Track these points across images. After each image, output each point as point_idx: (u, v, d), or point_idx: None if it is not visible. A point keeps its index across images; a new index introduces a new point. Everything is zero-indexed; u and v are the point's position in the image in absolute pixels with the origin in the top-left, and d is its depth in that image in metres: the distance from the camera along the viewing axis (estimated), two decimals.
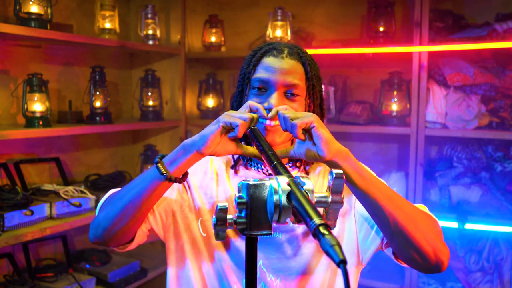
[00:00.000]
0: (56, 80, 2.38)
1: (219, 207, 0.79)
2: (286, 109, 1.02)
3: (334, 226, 0.83)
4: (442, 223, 2.20)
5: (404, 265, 1.07)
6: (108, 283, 2.29)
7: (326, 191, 0.82)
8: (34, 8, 1.97)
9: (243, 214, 0.79)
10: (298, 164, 1.19)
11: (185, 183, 1.16)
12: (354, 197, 1.12)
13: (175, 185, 1.15)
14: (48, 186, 2.16)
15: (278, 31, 2.55)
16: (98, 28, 2.50)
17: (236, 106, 1.17)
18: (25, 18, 1.98)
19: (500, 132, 2.22)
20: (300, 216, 0.70)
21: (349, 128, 2.46)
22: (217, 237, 0.81)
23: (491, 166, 2.33)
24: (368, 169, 1.09)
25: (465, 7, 2.49)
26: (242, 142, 1.02)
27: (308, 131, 0.94)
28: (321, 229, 0.64)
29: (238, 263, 1.11)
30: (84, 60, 2.53)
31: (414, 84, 2.28)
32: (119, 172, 2.53)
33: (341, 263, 0.59)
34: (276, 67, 1.08)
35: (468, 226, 2.18)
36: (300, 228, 1.12)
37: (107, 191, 1.16)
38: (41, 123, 2.05)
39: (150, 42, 2.67)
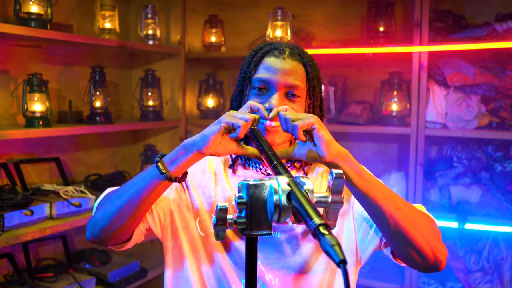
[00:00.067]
0: (56, 80, 2.38)
1: (219, 207, 0.79)
2: (286, 110, 1.02)
3: (334, 226, 0.83)
4: (442, 223, 2.20)
5: (403, 264, 1.07)
6: (108, 283, 2.29)
7: (326, 191, 0.82)
8: (34, 8, 1.97)
9: (243, 214, 0.79)
10: (296, 164, 1.19)
11: (183, 182, 1.16)
12: (352, 197, 1.12)
13: (173, 185, 1.15)
14: (48, 186, 2.16)
15: (278, 31, 2.55)
16: (98, 28, 2.50)
17: (235, 105, 1.16)
18: (25, 18, 1.98)
19: (500, 132, 2.22)
20: (300, 216, 0.70)
21: (349, 128, 2.46)
22: (217, 237, 0.81)
23: (491, 166, 2.33)
24: (367, 170, 1.09)
25: (465, 7, 2.49)
26: (241, 142, 1.02)
27: (309, 133, 0.94)
28: (321, 229, 0.64)
29: (237, 262, 1.11)
30: (84, 60, 2.53)
31: (414, 84, 2.28)
32: (119, 172, 2.53)
33: (341, 263, 0.59)
34: (277, 67, 1.08)
35: (468, 226, 2.18)
36: (299, 228, 1.12)
37: None
38: (41, 123, 2.05)
39: (150, 42, 2.67)
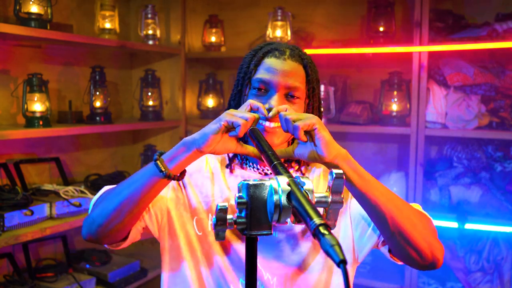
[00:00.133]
0: (56, 80, 2.38)
1: (219, 207, 0.78)
2: (286, 110, 1.02)
3: (334, 226, 0.83)
4: (442, 223, 2.20)
5: (399, 262, 1.08)
6: (108, 283, 2.29)
7: (326, 191, 0.82)
8: (34, 8, 1.97)
9: (243, 214, 0.79)
10: (294, 165, 1.19)
11: (180, 181, 1.16)
12: (350, 195, 1.13)
13: (170, 184, 1.14)
14: (48, 186, 2.16)
15: (278, 31, 2.55)
16: (98, 28, 2.50)
17: (234, 105, 1.16)
18: (25, 18, 1.98)
19: (500, 132, 2.22)
20: (300, 216, 0.70)
21: (349, 128, 2.46)
22: (217, 237, 0.81)
23: (491, 166, 2.33)
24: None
25: (465, 7, 2.49)
26: (240, 141, 1.02)
27: (309, 133, 0.94)
28: (321, 229, 0.64)
29: (235, 262, 1.11)
30: (84, 60, 2.53)
31: (414, 84, 2.28)
32: (119, 172, 2.53)
33: (341, 263, 0.59)
34: (278, 68, 1.08)
35: (468, 226, 2.18)
36: (297, 227, 1.12)
37: None
38: (41, 123, 2.05)
39: (150, 42, 2.67)
